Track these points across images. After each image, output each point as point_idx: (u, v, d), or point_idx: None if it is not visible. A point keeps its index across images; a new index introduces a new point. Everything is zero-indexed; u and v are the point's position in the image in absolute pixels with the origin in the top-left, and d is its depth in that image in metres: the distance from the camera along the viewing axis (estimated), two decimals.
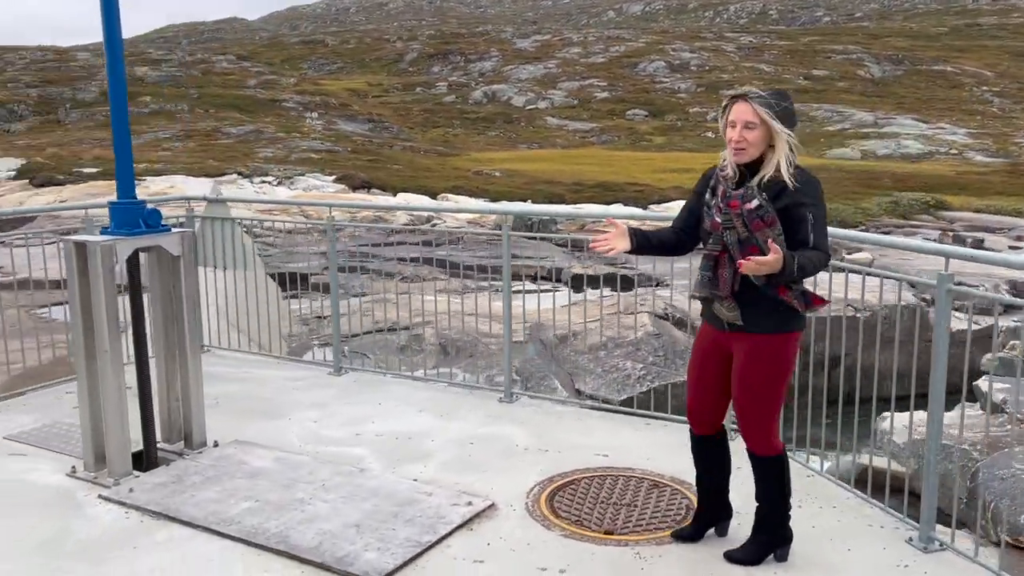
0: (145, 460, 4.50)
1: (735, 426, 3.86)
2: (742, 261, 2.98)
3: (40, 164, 37.78)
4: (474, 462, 4.47)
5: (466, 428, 4.95)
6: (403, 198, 30.58)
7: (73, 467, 4.36)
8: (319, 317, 13.87)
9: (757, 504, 3.46)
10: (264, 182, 33.36)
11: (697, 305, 3.41)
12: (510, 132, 46.47)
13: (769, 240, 2.95)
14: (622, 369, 10.19)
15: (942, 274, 3.40)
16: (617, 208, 24.19)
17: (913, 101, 48.60)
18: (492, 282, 20.69)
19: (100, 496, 4.06)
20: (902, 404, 4.47)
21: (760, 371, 3.20)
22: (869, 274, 4.04)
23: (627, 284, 13.12)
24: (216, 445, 4.67)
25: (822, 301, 3.18)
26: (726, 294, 3.16)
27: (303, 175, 34.27)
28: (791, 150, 3.05)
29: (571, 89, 51.49)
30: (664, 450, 4.57)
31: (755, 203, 3.05)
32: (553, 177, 32.93)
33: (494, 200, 30.23)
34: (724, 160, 3.19)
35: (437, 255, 25.30)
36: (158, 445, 4.63)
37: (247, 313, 6.59)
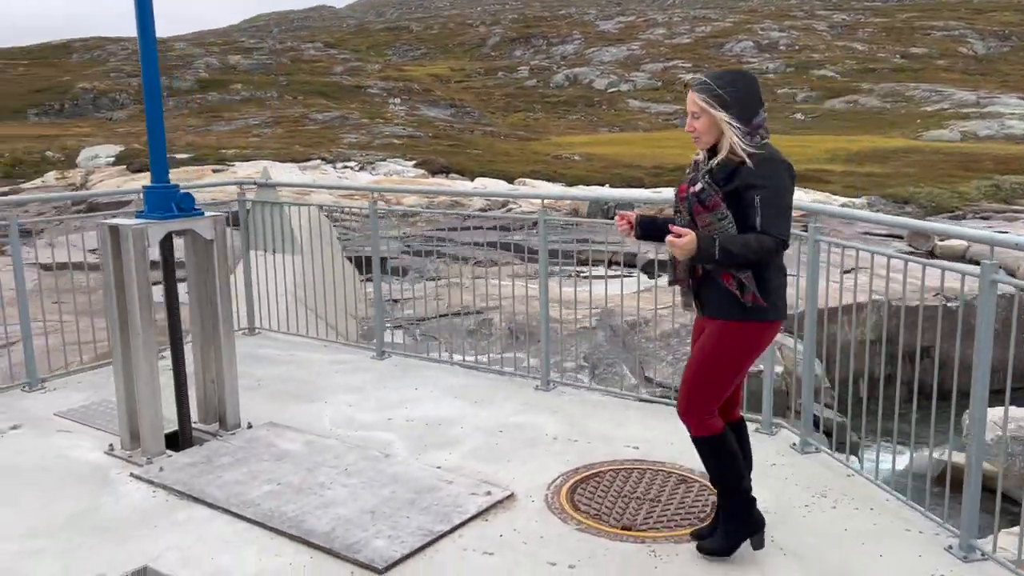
0: (180, 440, 4.59)
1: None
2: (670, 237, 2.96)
3: (137, 151, 39.34)
4: (500, 451, 4.40)
5: (498, 416, 4.88)
6: (480, 183, 30.71)
7: (111, 445, 4.48)
8: (394, 300, 14.07)
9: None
10: (346, 167, 34.01)
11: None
12: (591, 115, 46.06)
13: (673, 226, 2.98)
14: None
15: (986, 264, 3.14)
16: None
17: (1019, 79, 45.97)
18: (563, 267, 20.58)
19: (132, 474, 4.16)
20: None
21: (708, 350, 3.14)
22: (910, 260, 3.78)
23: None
24: (250, 427, 4.73)
25: (755, 298, 3.01)
26: (682, 278, 3.18)
27: (384, 160, 34.77)
28: (752, 132, 2.97)
29: (654, 71, 50.63)
30: None
31: (698, 187, 3.03)
32: (633, 161, 32.45)
33: (571, 184, 30.04)
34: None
35: (514, 239, 25.35)
36: (195, 425, 4.73)
37: (323, 296, 6.65)
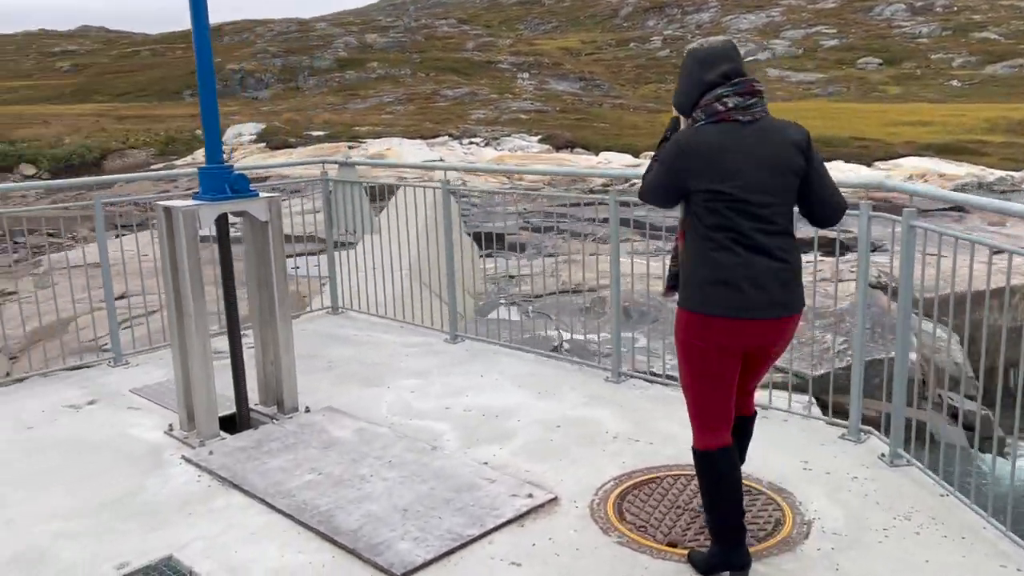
0: (237, 422, 4.58)
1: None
2: None
3: (277, 128, 41.07)
4: (554, 448, 4.12)
5: (559, 409, 4.60)
6: (604, 156, 30.15)
7: (170, 425, 4.51)
8: (510, 276, 13.95)
9: None
10: (472, 143, 34.21)
11: None
12: None
13: None
14: (820, 341, 9.34)
15: None
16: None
17: None
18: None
19: (183, 456, 4.15)
20: None
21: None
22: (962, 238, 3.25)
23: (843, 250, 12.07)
24: (308, 411, 4.66)
25: (670, 290, 3.07)
26: None
27: (509, 136, 34.74)
28: (696, 117, 2.83)
29: (795, 38, 48.17)
30: (782, 451, 3.99)
31: None
32: None
33: None
34: None
35: (635, 215, 24.70)
36: (254, 407, 4.70)
37: (439, 273, 6.52)
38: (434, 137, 34.64)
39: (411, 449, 4.14)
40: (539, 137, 34.00)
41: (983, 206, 3.47)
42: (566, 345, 9.21)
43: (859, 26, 48.43)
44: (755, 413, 3.29)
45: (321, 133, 36.89)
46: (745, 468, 3.81)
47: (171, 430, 4.48)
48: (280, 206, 4.48)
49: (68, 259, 9.35)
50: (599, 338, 6.83)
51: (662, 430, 4.29)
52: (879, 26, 48.57)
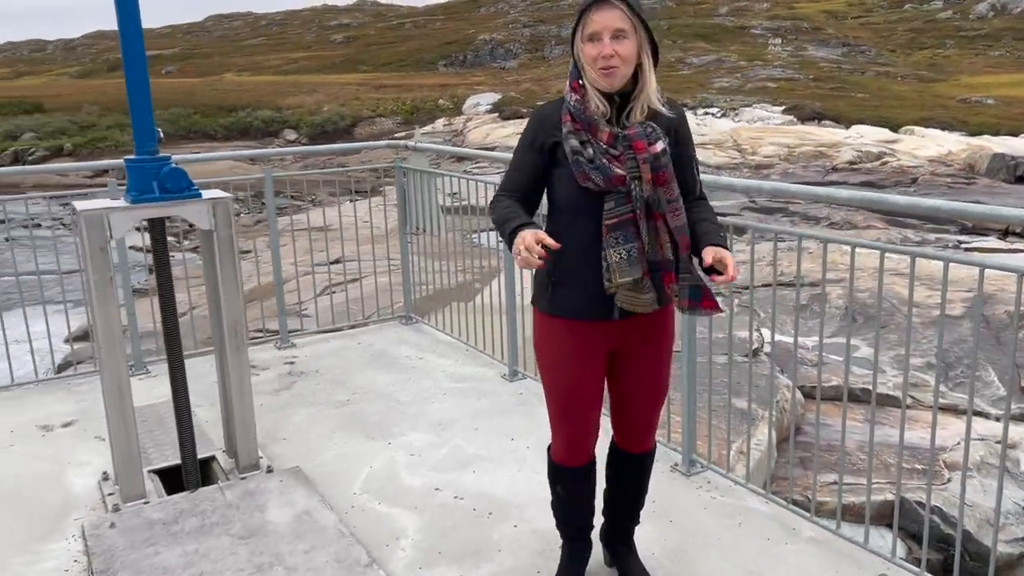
0: (184, 479, 3.65)
1: None
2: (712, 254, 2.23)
3: (512, 99, 41.07)
4: None
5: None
6: (856, 131, 26.84)
7: (105, 473, 3.68)
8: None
9: None
10: (707, 114, 31.94)
11: None
12: (1020, 51, 38.04)
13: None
14: None
15: None
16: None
17: None
18: (939, 236, 16.83)
19: (82, 525, 3.28)
20: None
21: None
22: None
23: None
24: (269, 471, 3.64)
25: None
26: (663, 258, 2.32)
27: (749, 106, 32.04)
28: None
29: None
30: None
31: (660, 146, 2.28)
32: None
33: (973, 135, 24.90)
34: (572, 95, 2.33)
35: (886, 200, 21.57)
36: (217, 458, 3.77)
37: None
38: None
39: (339, 560, 2.96)
40: (783, 107, 31.02)
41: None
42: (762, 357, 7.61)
43: None
44: None
45: (543, 103, 36.25)
46: None
47: (105, 479, 3.65)
48: (229, 209, 3.42)
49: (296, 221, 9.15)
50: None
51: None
52: None
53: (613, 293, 2.31)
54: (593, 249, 2.30)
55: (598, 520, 2.78)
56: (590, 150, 2.27)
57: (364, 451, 3.81)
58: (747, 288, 11.06)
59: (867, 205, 2.77)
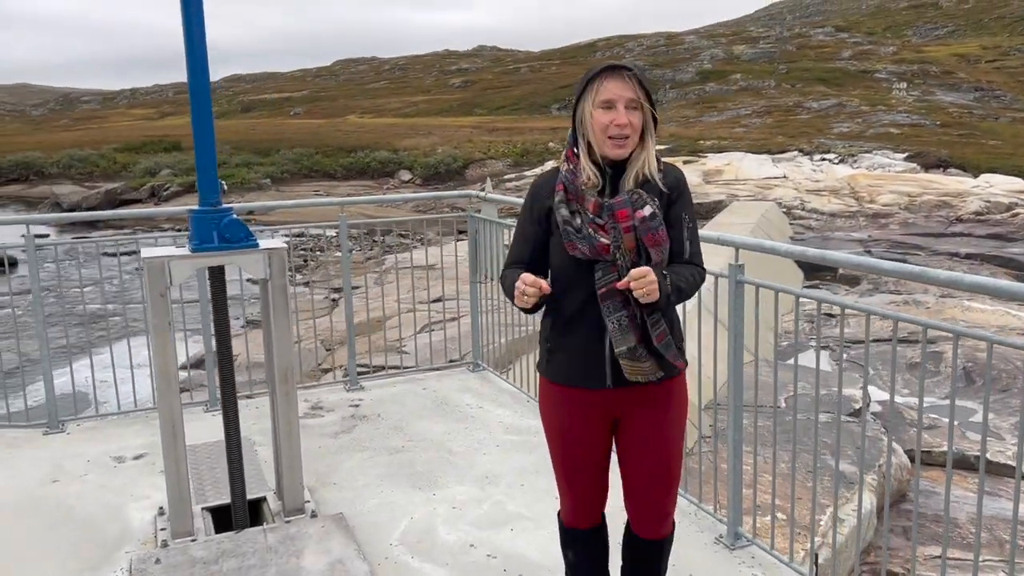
0: (232, 518, 3.75)
1: None
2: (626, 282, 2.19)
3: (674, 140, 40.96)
4: None
5: None
6: (985, 179, 25.50)
7: (161, 508, 3.83)
8: (829, 316, 11.84)
9: None
10: (824, 159, 31.04)
11: None
12: None
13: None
14: None
15: None
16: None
17: None
18: None
19: (131, 559, 3.41)
20: None
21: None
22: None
23: None
24: (313, 516, 3.70)
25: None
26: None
27: (870, 152, 30.93)
28: None
29: None
30: None
31: (647, 210, 2.27)
32: None
33: None
34: (567, 167, 2.35)
35: (1012, 251, 20.37)
36: (268, 500, 3.86)
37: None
38: (782, 152, 31.99)
39: None
40: (906, 154, 29.80)
41: None
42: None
43: None
44: None
45: (663, 147, 36.01)
46: None
47: (160, 514, 3.79)
48: (284, 260, 3.55)
49: (400, 260, 9.47)
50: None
51: None
52: None
53: (624, 356, 2.30)
54: (584, 316, 2.32)
55: None
56: (578, 219, 2.30)
57: (407, 501, 3.82)
58: (860, 342, 10.58)
59: (908, 277, 2.61)
